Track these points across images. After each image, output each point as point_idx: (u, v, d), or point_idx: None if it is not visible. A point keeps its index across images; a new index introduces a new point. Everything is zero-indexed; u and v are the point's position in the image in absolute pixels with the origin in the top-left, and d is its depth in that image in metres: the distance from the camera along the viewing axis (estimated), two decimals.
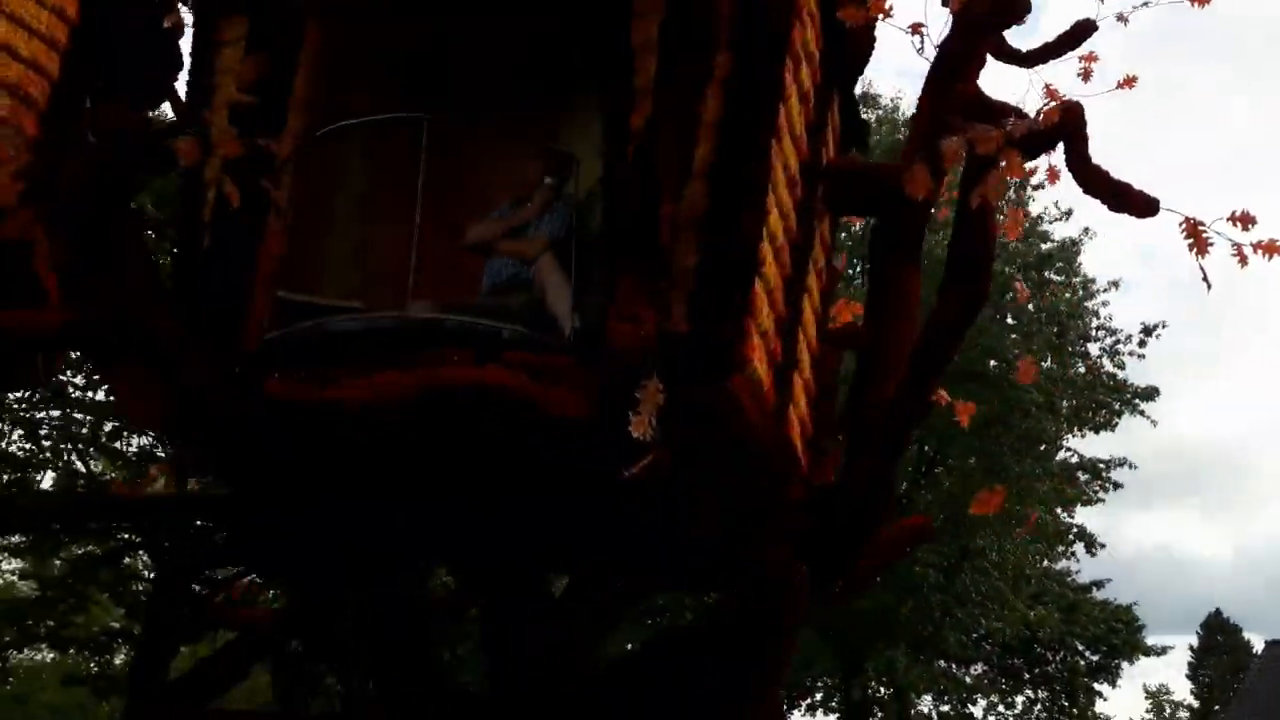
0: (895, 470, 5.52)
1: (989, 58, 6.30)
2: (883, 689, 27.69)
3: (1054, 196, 24.80)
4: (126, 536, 25.95)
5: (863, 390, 5.75)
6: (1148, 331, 25.43)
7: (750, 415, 4.62)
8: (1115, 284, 25.32)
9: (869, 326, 5.86)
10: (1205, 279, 5.14)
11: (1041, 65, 6.31)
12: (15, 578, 29.36)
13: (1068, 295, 24.94)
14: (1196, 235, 4.99)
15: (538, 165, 5.16)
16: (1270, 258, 5.00)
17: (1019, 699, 28.78)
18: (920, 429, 25.83)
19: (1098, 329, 25.56)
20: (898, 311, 5.67)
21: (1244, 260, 5.08)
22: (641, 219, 4.20)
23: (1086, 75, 6.59)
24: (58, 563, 25.14)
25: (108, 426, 25.81)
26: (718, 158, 4.44)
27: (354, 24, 5.31)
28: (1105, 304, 25.51)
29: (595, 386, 4.01)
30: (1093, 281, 25.42)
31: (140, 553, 25.92)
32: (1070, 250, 24.28)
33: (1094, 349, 25.75)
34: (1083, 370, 25.38)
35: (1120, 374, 25.59)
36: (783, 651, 5.06)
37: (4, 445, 24.46)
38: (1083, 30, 6.03)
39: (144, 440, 26.65)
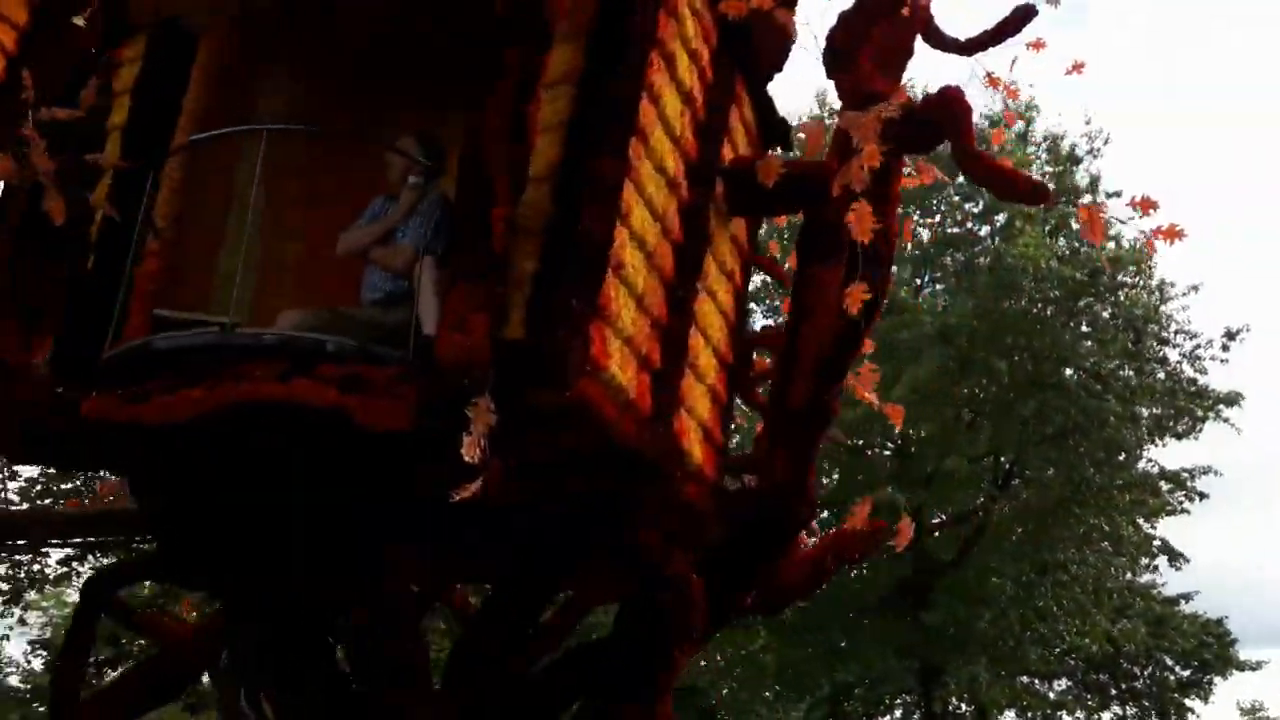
0: (808, 472, 5.31)
1: (926, 47, 6.11)
2: (964, 705, 26.92)
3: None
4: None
5: (779, 392, 5.58)
6: (1230, 335, 24.31)
7: (608, 419, 4.49)
8: (1195, 288, 24.24)
9: (787, 326, 5.69)
10: (1105, 266, 4.91)
11: (981, 53, 6.10)
12: None
13: (1144, 299, 24.03)
14: (1093, 221, 4.75)
15: (403, 161, 4.97)
16: (1171, 242, 4.75)
17: (1106, 715, 27.68)
18: (996, 440, 25.24)
19: (1176, 333, 24.50)
20: (813, 311, 5.48)
21: (1151, 246, 4.83)
22: (472, 224, 4.10)
23: (1079, 68, 6.35)
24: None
25: None
26: (564, 160, 4.32)
27: (248, 36, 5.33)
28: (1185, 308, 24.42)
29: (420, 398, 3.91)
30: (1171, 285, 24.40)
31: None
32: (1142, 252, 23.37)
33: (1173, 354, 24.69)
34: (1162, 376, 24.37)
35: (1202, 379, 24.48)
36: (680, 654, 4.88)
37: None
38: (1023, 16, 5.81)
39: None
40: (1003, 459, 26.01)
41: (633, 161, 4.57)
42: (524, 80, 4.06)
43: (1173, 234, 4.83)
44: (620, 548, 4.77)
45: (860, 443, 26.12)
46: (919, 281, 27.24)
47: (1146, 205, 4.86)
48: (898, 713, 26.28)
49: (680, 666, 4.90)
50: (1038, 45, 5.53)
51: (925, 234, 27.11)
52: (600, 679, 4.98)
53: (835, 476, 26.68)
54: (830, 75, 5.18)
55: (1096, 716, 27.77)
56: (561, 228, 4.19)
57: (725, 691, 26.50)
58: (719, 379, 5.59)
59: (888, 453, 26.56)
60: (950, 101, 4.74)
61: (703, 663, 25.66)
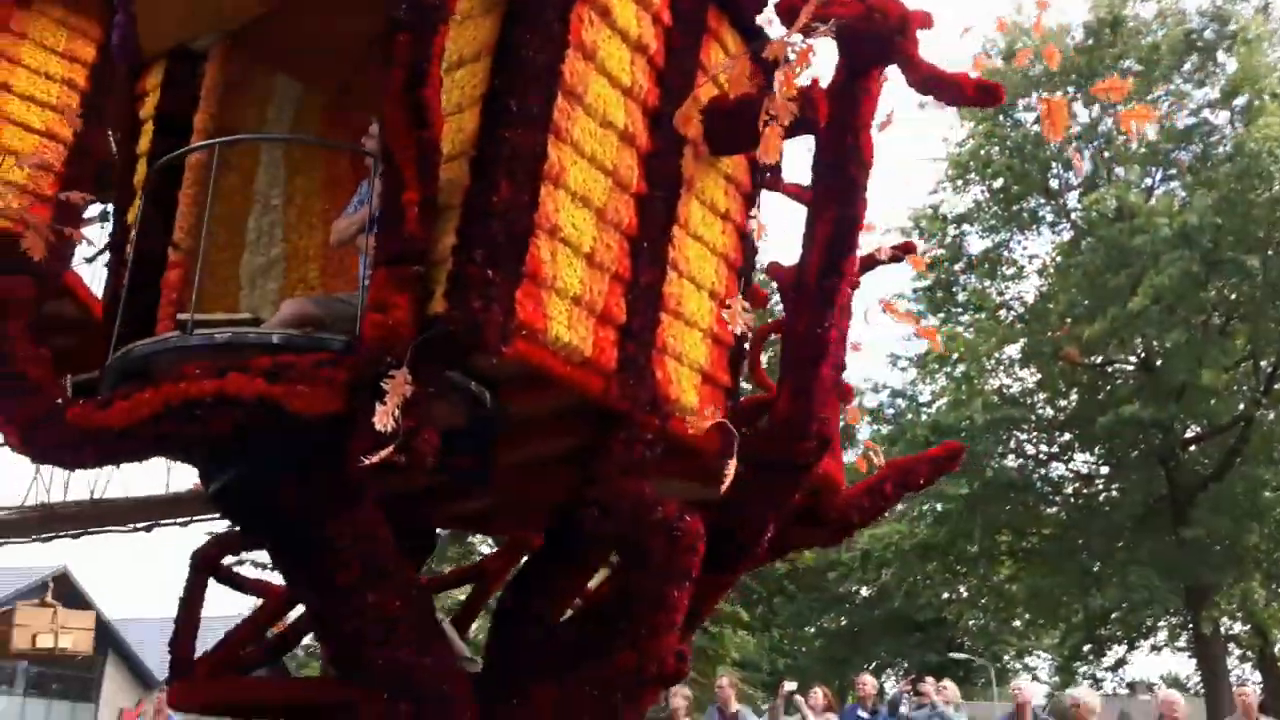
0: (812, 408, 5.26)
1: None
2: (1237, 625, 25.16)
3: None
4: None
5: (787, 327, 5.56)
6: None
7: (560, 377, 4.63)
8: None
9: (800, 260, 5.63)
10: (1074, 167, 4.60)
11: None
12: None
13: None
14: (1054, 115, 4.47)
15: (374, 143, 5.13)
16: (1141, 126, 4.42)
17: None
18: (1254, 344, 23.26)
19: None
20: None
21: (1127, 129, 4.50)
22: (388, 209, 4.33)
23: None
24: None
25: None
26: (481, 133, 4.47)
27: (251, 50, 5.74)
28: None
29: (350, 380, 4.19)
30: None
31: None
32: None
33: None
34: None
35: None
36: (679, 594, 4.98)
37: None
38: None
39: None
40: (1263, 363, 23.95)
41: (561, 123, 4.66)
42: (417, 66, 4.20)
43: (1142, 115, 4.49)
44: (605, 498, 4.89)
45: (1098, 360, 24.73)
46: (1149, 182, 25.33)
47: (1117, 90, 4.54)
48: (1160, 635, 24.82)
49: (680, 606, 4.99)
50: None
51: (1152, 131, 25.12)
52: (605, 623, 5.14)
53: (1073, 397, 25.41)
54: None
55: None
56: (478, 201, 4.34)
57: (971, 623, 25.89)
58: (721, 322, 5.59)
59: (1130, 367, 24.98)
60: (892, 14, 4.56)
61: (945, 595, 25.25)
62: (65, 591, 33.42)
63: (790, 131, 5.62)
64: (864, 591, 26.12)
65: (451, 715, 4.81)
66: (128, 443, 4.39)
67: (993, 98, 4.77)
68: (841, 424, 6.96)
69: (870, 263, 7.05)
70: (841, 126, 4.97)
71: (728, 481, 4.26)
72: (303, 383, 4.16)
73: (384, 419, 3.97)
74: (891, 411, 27.66)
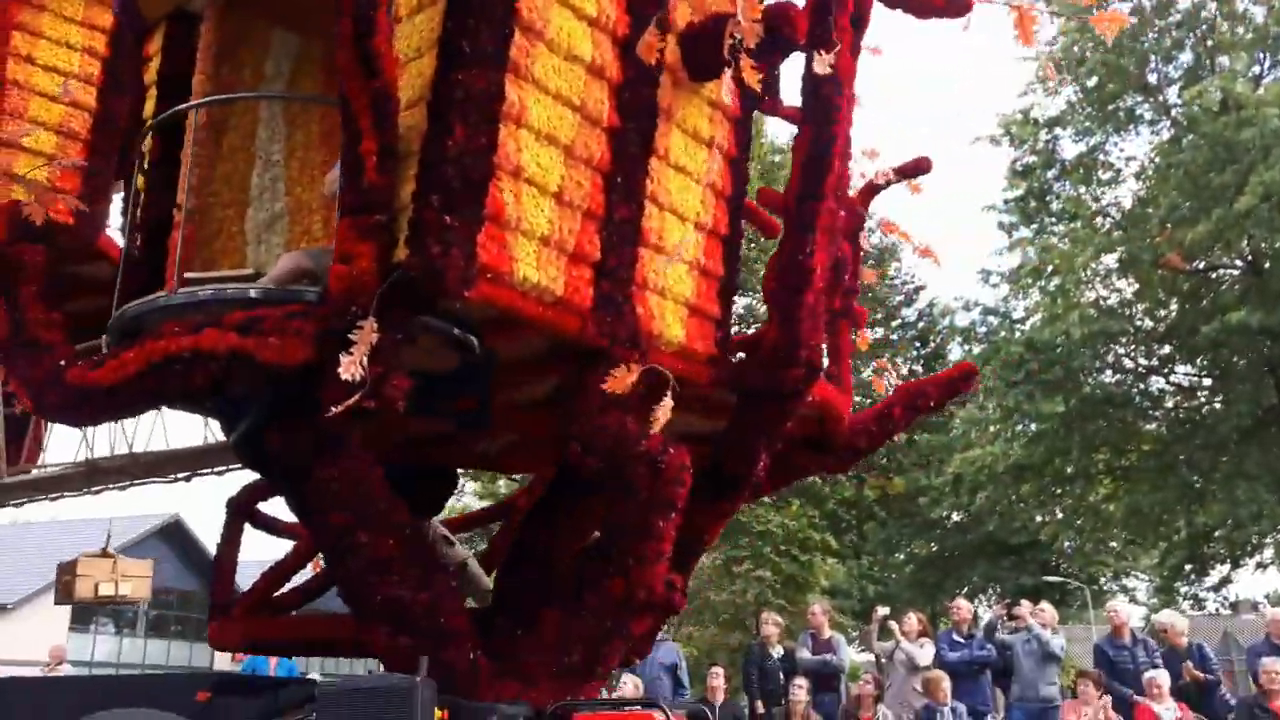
0: (798, 334, 5.29)
1: None
2: None
3: None
4: None
5: (776, 254, 5.58)
6: None
7: (530, 317, 4.75)
8: None
9: (786, 185, 5.64)
10: (1047, 78, 4.51)
11: None
12: None
13: None
14: (1024, 23, 4.39)
15: None
16: (1112, 30, 4.33)
17: None
18: None
19: None
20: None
21: (1101, 25, 4.40)
22: (348, 161, 4.46)
23: None
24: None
25: None
26: (436, 79, 4.56)
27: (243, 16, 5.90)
28: None
29: (318, 330, 4.37)
30: None
31: None
32: None
33: None
34: None
35: None
36: (664, 524, 5.09)
37: None
38: None
39: None
40: None
41: (520, 61, 4.72)
42: (364, 15, 4.30)
43: (1115, 19, 4.38)
44: (586, 433, 5.01)
45: (1201, 266, 23.87)
46: (1257, 70, 24.12)
47: None
48: (1267, 553, 24.13)
49: (666, 535, 5.10)
50: None
51: (1260, 14, 23.83)
52: (599, 554, 5.29)
53: (1174, 307, 24.60)
54: None
55: None
56: (434, 146, 4.44)
57: (1067, 545, 25.53)
58: (708, 252, 5.63)
59: (1236, 271, 24.04)
60: None
61: (1040, 517, 24.92)
62: (177, 536, 35.31)
63: (772, 51, 5.62)
64: (955, 516, 25.93)
65: (450, 648, 5.02)
66: (117, 399, 4.65)
67: (963, 7, 4.68)
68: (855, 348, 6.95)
69: (871, 190, 7.01)
70: (815, 43, 4.93)
71: (658, 424, 4.29)
72: (273, 335, 4.35)
73: (350, 368, 4.14)
74: (984, 330, 27.16)
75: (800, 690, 9.92)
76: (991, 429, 24.98)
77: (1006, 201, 26.52)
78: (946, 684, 9.66)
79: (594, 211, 5.02)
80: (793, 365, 5.37)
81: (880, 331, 26.37)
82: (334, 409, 4.21)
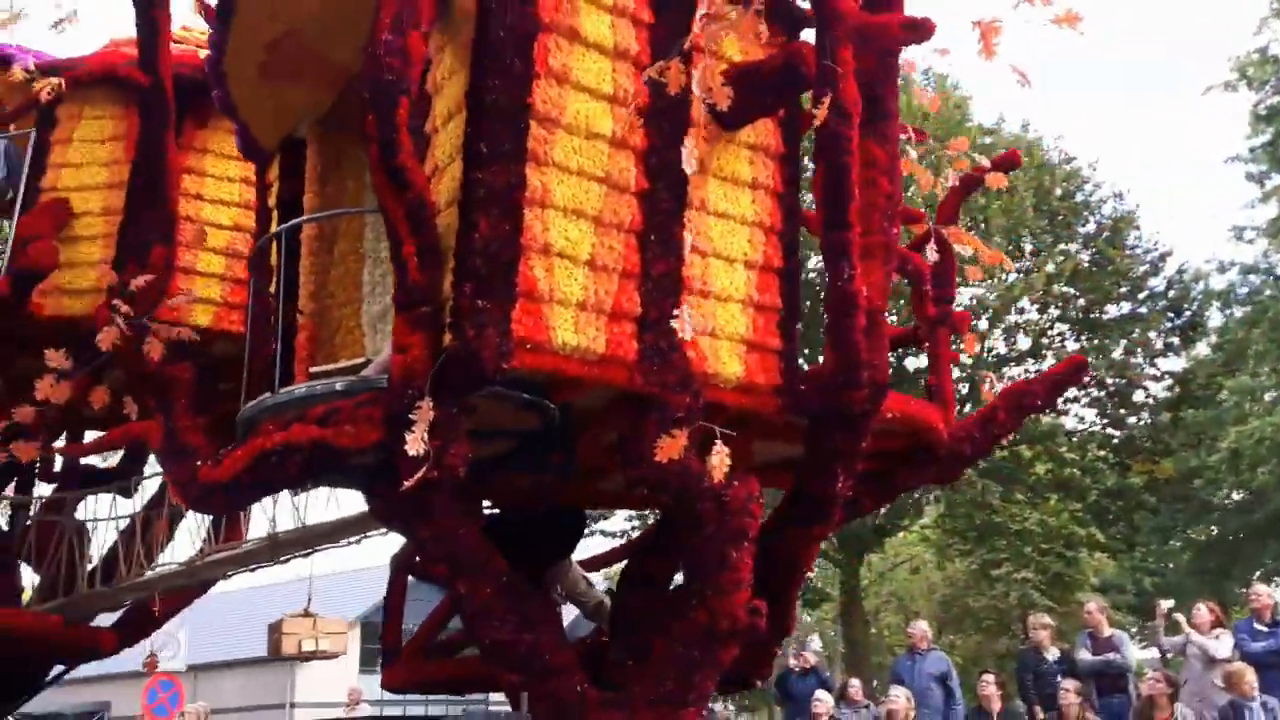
0: (857, 357, 5.56)
1: None
2: None
3: None
4: None
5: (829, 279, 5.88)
6: None
7: (576, 377, 5.29)
8: None
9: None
10: (1021, 78, 4.70)
11: None
12: None
13: None
14: (986, 37, 4.64)
15: None
16: (1067, 27, 4.51)
17: None
18: None
19: None
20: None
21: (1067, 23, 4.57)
22: (395, 264, 5.15)
23: None
24: None
25: None
26: (464, 180, 5.20)
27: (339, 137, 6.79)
28: None
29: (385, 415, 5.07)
30: None
31: None
32: None
33: None
34: None
35: None
36: (737, 552, 5.49)
37: None
38: None
39: None
40: None
41: (539, 150, 5.28)
42: (387, 139, 4.98)
43: (1070, 19, 4.50)
44: (650, 475, 5.48)
45: None
46: None
47: None
48: None
49: (740, 565, 5.48)
50: None
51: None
52: (680, 586, 5.74)
53: None
54: None
55: None
56: (464, 241, 5.08)
57: None
58: (761, 288, 5.99)
59: None
60: None
61: None
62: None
63: (794, 89, 5.98)
64: (1235, 495, 24.23)
65: (553, 682, 5.60)
66: (233, 491, 5.51)
67: (922, 33, 4.88)
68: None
69: (969, 184, 7.15)
70: (820, 79, 5.25)
71: (717, 472, 4.62)
72: (348, 423, 5.08)
73: (414, 444, 4.79)
74: (1245, 290, 25.39)
75: (1069, 693, 9.58)
76: (1267, 397, 23.37)
77: (1252, 150, 24.81)
78: (1252, 676, 8.98)
79: (630, 271, 5.50)
80: (854, 387, 5.62)
81: (1127, 306, 25.08)
82: (406, 482, 4.88)
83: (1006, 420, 6.68)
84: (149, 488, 8.97)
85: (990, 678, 11.29)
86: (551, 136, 5.36)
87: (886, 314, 6.05)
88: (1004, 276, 25.46)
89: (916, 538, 32.44)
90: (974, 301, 26.15)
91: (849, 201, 5.45)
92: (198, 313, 7.89)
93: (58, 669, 9.06)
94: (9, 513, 7.83)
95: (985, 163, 7.12)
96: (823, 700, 10.70)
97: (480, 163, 5.15)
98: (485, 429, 5.57)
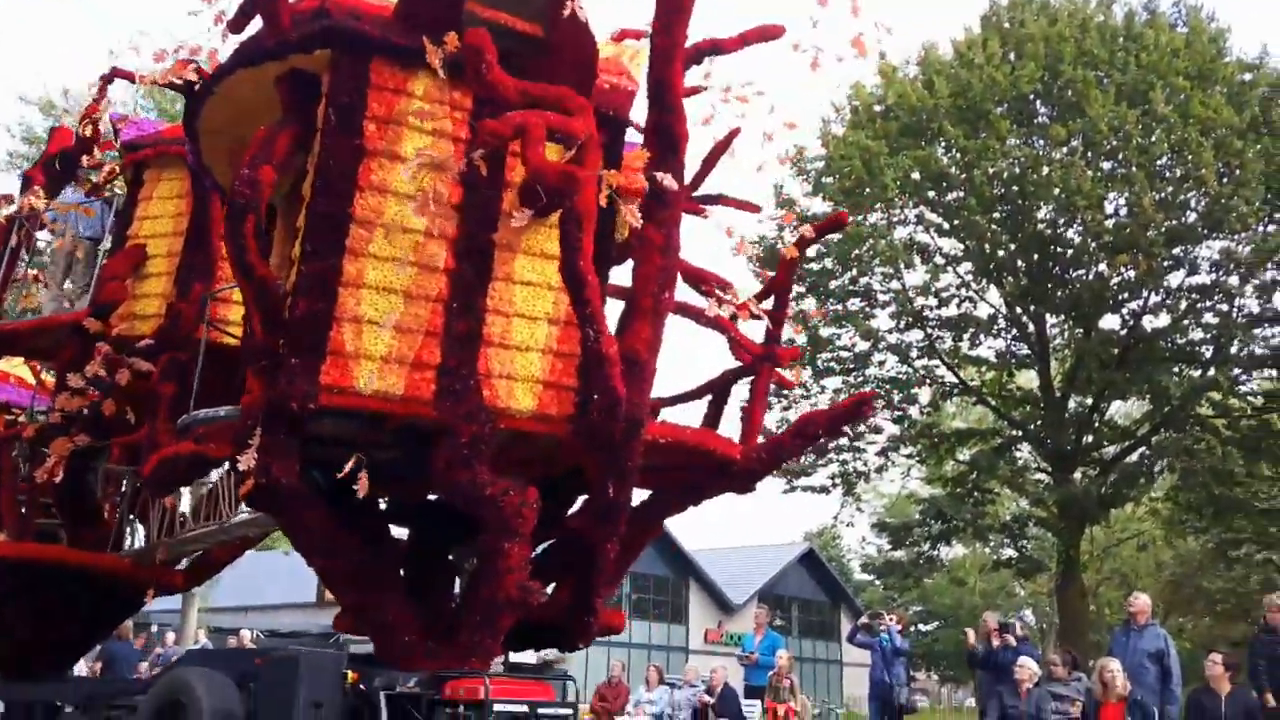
0: (612, 397, 7.25)
1: None
2: None
3: None
4: (1013, 434, 30.19)
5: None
6: None
7: (376, 410, 7.32)
8: None
9: None
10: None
11: None
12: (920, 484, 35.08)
13: None
14: (859, 42, 6.49)
15: None
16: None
17: None
18: None
19: None
20: None
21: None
22: (245, 325, 7.36)
23: None
24: (950, 465, 30.22)
25: (965, 340, 30.34)
26: (297, 269, 7.32)
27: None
28: None
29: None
30: None
31: (1022, 445, 29.84)
32: None
33: None
34: None
35: None
36: (513, 549, 7.38)
37: (882, 372, 30.54)
38: None
39: (999, 344, 30.51)
40: None
41: (357, 246, 7.30)
42: (238, 243, 7.10)
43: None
44: (444, 485, 7.48)
45: None
46: None
47: None
48: None
49: (513, 554, 7.33)
50: None
51: None
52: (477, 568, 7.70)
53: None
54: None
55: None
56: (291, 314, 7.19)
57: None
58: (562, 340, 7.76)
59: None
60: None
61: None
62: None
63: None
64: None
65: (390, 635, 7.73)
66: (152, 481, 7.98)
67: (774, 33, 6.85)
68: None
69: (803, 243, 8.63)
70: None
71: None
72: (213, 441, 7.38)
73: (245, 460, 7.03)
74: None
75: None
76: None
77: None
78: None
79: (434, 330, 7.45)
80: (614, 420, 7.30)
81: None
82: (244, 486, 7.15)
83: (790, 444, 8.17)
84: None
85: (1218, 657, 11.15)
86: (369, 234, 7.38)
87: (653, 363, 7.66)
88: (1262, 227, 24.81)
89: (1145, 511, 31.99)
90: (1221, 255, 25.70)
91: (584, 286, 7.10)
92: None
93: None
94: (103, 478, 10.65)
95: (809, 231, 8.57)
96: (1026, 666, 10.97)
97: (306, 258, 7.26)
98: (357, 445, 7.75)
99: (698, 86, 9.04)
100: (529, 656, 11.57)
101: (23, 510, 10.29)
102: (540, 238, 7.85)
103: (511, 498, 7.38)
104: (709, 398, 9.15)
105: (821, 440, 8.59)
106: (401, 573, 8.55)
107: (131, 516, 11.10)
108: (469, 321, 7.57)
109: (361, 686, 7.39)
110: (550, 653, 10.79)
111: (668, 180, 7.40)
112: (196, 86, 8.29)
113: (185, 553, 11.19)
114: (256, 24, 7.85)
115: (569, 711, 7.70)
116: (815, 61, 7.97)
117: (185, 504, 10.21)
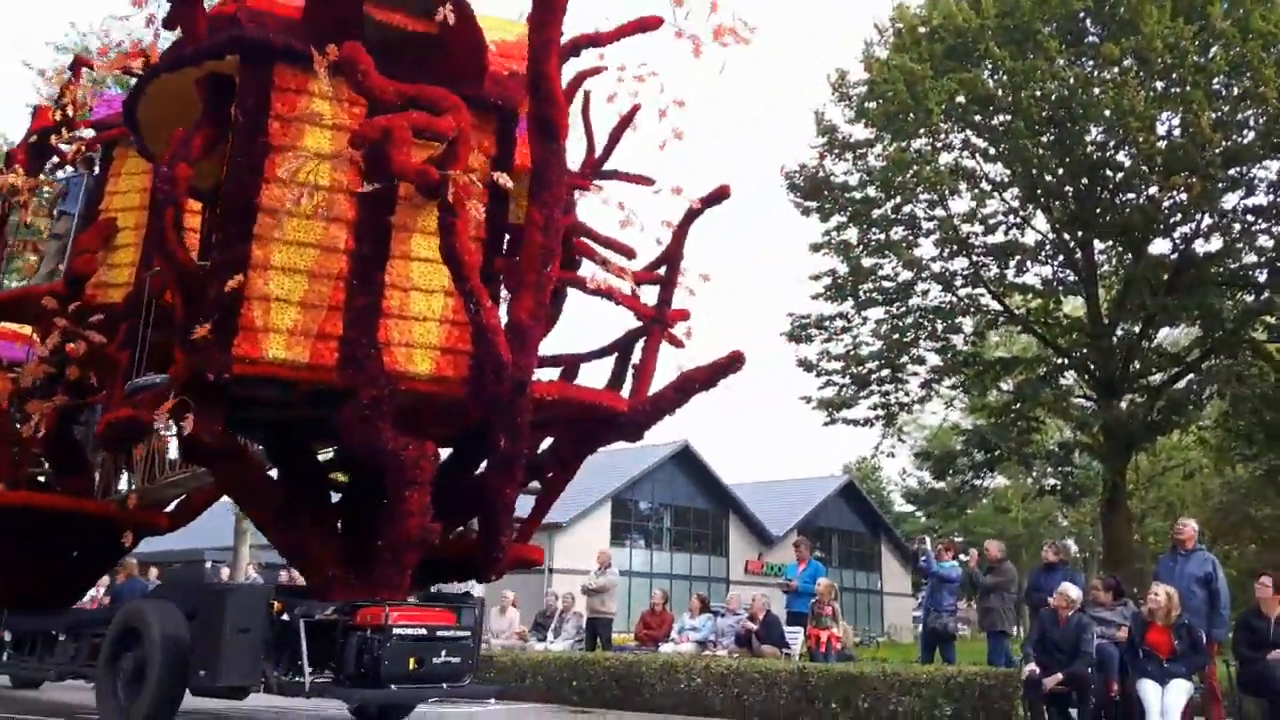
0: (499, 358, 8.54)
1: None
2: None
3: None
4: (1059, 362, 30.99)
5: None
6: None
7: (286, 377, 8.71)
8: None
9: None
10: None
11: None
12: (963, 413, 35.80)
13: None
14: (719, 34, 7.78)
15: None
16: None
17: None
18: None
19: None
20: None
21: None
22: (175, 308, 8.78)
23: None
24: (994, 394, 31.03)
25: (1011, 268, 30.98)
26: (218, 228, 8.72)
27: None
28: None
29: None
30: None
31: (1068, 372, 30.63)
32: None
33: None
34: None
35: None
36: (413, 496, 8.76)
37: (925, 301, 31.34)
38: None
39: (1045, 270, 31.10)
40: None
41: (264, 233, 8.64)
42: (164, 236, 8.50)
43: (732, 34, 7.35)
44: (351, 440, 8.88)
45: None
46: None
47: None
48: None
49: (413, 499, 8.69)
50: None
51: None
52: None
53: None
54: None
55: None
56: (209, 295, 8.60)
57: None
58: (458, 310, 9.03)
59: None
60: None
61: None
62: (688, 460, 42.88)
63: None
64: None
65: (312, 569, 9.22)
66: (103, 440, 9.53)
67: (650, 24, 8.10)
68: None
69: (689, 218, 9.84)
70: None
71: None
72: (144, 406, 8.85)
73: (159, 418, 8.52)
74: None
75: None
76: None
77: None
78: None
79: (336, 305, 8.80)
80: (500, 382, 8.57)
81: None
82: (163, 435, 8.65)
83: (672, 398, 9.44)
84: None
85: (1268, 580, 11.26)
86: (275, 221, 8.71)
87: (538, 330, 8.93)
88: None
89: (1193, 439, 32.43)
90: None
91: (462, 265, 8.36)
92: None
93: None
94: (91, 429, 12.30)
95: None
96: (1066, 593, 11.12)
97: (218, 245, 8.66)
98: (276, 406, 9.20)
99: (598, 67, 10.21)
100: (479, 590, 13.18)
101: (16, 461, 11.99)
102: (435, 218, 9.12)
103: (410, 451, 8.74)
104: (615, 355, 10.47)
105: (700, 393, 9.73)
106: (338, 516, 10.06)
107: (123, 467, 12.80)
108: (368, 296, 8.90)
109: (284, 616, 8.91)
110: (472, 584, 12.28)
111: (503, 179, 8.70)
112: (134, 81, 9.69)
113: (165, 497, 12.86)
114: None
115: (466, 633, 9.11)
116: (697, 48, 9.09)
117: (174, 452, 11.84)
